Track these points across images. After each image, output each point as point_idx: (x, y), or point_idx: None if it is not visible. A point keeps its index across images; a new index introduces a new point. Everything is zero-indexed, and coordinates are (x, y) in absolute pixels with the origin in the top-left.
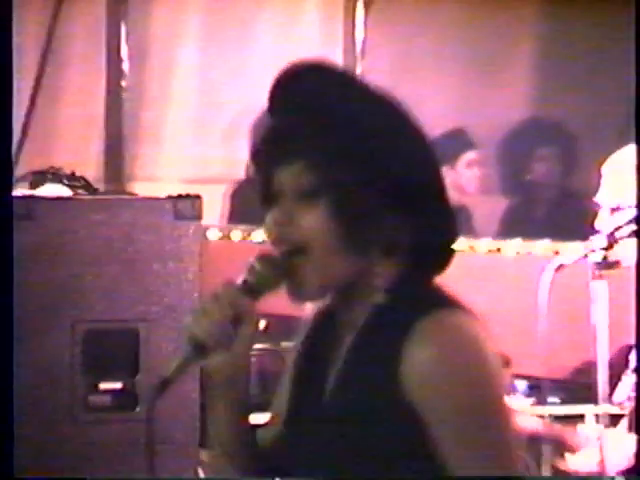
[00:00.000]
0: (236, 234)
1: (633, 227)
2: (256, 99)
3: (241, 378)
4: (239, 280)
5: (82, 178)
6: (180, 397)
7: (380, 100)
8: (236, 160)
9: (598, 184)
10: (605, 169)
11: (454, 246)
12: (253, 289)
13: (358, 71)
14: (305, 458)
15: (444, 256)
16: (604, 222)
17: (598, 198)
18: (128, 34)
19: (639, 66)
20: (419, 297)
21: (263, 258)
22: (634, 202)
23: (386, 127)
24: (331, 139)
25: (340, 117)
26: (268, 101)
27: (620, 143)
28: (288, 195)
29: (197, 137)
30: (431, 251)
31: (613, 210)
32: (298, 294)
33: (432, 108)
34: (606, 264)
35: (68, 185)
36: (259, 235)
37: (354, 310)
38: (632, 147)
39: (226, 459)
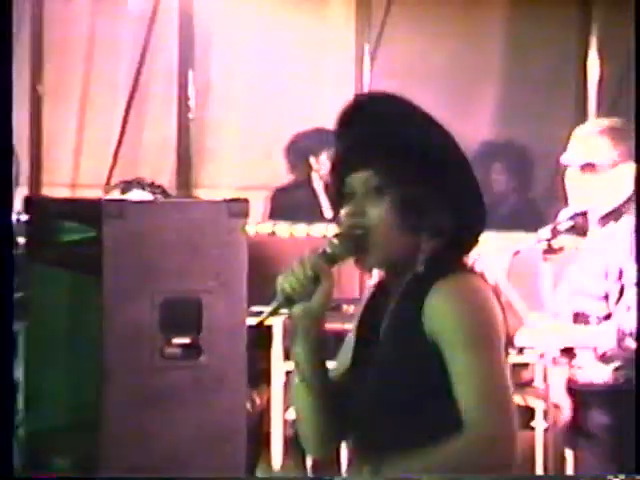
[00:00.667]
0: (279, 228)
1: (571, 223)
2: (290, 126)
3: (318, 324)
4: (320, 250)
5: (160, 186)
6: (232, 348)
7: (427, 121)
8: (275, 173)
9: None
10: (575, 133)
11: (481, 234)
12: (330, 257)
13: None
14: (365, 391)
15: (472, 241)
16: (572, 178)
17: (566, 158)
18: (194, 77)
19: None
20: (444, 267)
21: (340, 235)
22: (600, 161)
23: (432, 142)
24: (391, 153)
25: (397, 136)
26: (338, 124)
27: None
28: (359, 194)
29: (246, 154)
30: (463, 236)
31: (582, 167)
32: (363, 264)
33: None
34: (551, 250)
35: (149, 191)
36: (285, 229)
37: (400, 279)
38: (601, 120)
39: (305, 387)
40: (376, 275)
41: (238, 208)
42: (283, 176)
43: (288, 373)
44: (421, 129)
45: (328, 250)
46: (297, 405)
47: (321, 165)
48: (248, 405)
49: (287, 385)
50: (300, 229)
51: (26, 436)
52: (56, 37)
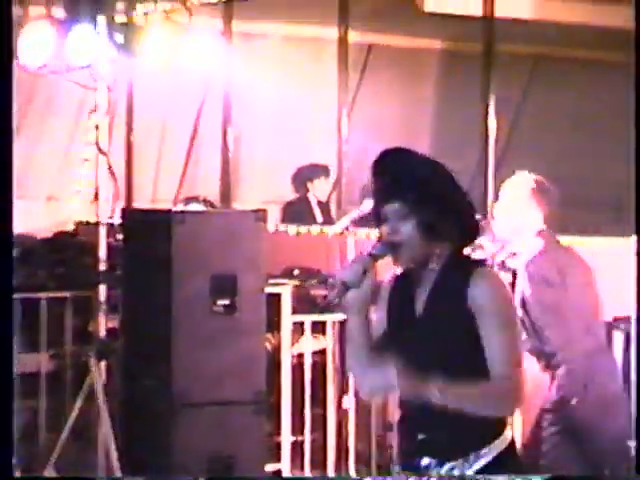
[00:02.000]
0: (289, 228)
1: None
2: (294, 161)
3: (366, 303)
4: (366, 252)
5: (210, 201)
6: (256, 307)
7: (436, 166)
8: (284, 193)
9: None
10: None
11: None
12: (374, 258)
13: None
14: (405, 353)
15: (474, 237)
16: (499, 230)
17: (495, 211)
18: (232, 128)
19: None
20: (465, 260)
21: (382, 242)
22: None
23: (439, 180)
24: (412, 190)
25: (415, 178)
26: (374, 168)
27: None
28: (391, 218)
29: (266, 179)
30: (465, 241)
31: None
32: (398, 263)
33: None
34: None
35: (203, 204)
36: (293, 229)
37: (423, 272)
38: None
39: (357, 348)
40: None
41: (260, 216)
42: (289, 195)
43: (294, 323)
44: (431, 172)
45: (373, 252)
46: (350, 361)
47: (314, 187)
48: (267, 344)
49: (293, 331)
50: (302, 229)
51: (123, 364)
52: (142, 104)
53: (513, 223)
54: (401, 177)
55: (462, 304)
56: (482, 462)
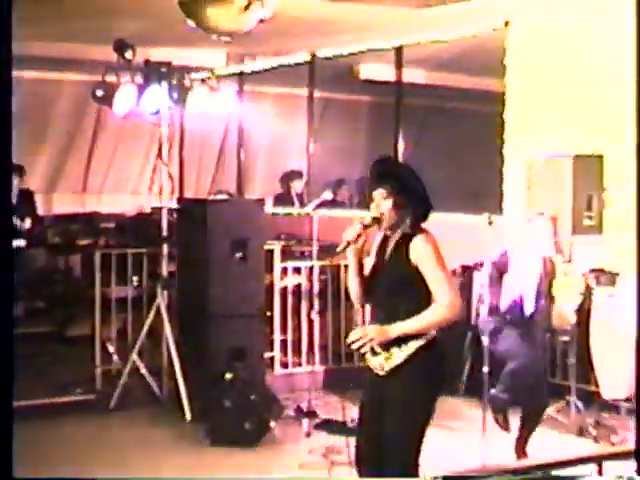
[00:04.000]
0: (279, 210)
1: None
2: (281, 168)
3: (359, 252)
4: (359, 221)
5: (230, 193)
6: (259, 258)
7: (407, 169)
8: (274, 189)
9: None
10: None
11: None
12: (365, 226)
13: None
14: (377, 283)
15: (427, 215)
16: None
17: None
18: (244, 147)
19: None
20: (417, 228)
21: (371, 217)
22: None
23: (408, 175)
24: (393, 182)
25: (395, 174)
26: (371, 169)
27: None
28: (377, 199)
29: (264, 180)
30: (423, 213)
31: None
32: (380, 229)
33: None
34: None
35: (226, 195)
36: (281, 211)
37: (394, 235)
38: None
39: (353, 278)
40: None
41: (261, 203)
42: (279, 189)
43: (283, 268)
44: (404, 171)
45: (365, 222)
46: (351, 282)
47: (294, 185)
48: (266, 280)
49: (281, 272)
50: (286, 211)
51: (178, 292)
52: (190, 132)
53: None
54: (385, 173)
55: (407, 255)
56: (412, 347)
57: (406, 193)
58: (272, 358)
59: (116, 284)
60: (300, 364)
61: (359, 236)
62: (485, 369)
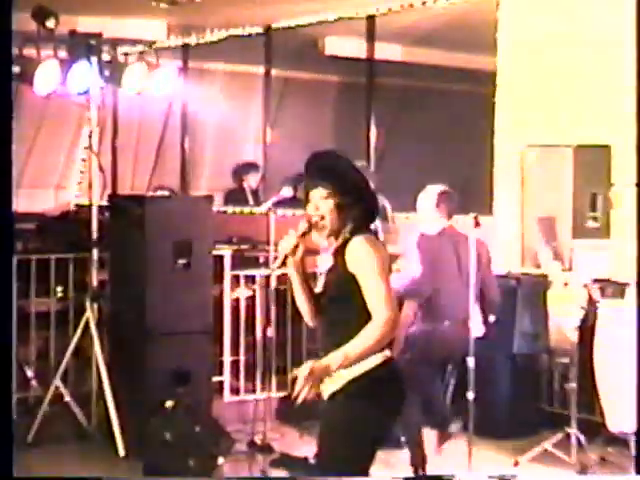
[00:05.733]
0: (229, 208)
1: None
2: (233, 159)
3: (300, 266)
4: (297, 229)
5: (172, 189)
6: (205, 265)
7: (350, 164)
8: (226, 183)
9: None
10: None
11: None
12: (303, 233)
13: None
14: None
15: (373, 216)
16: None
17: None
18: (189, 138)
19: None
20: (360, 230)
21: (308, 222)
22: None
23: (351, 173)
24: (334, 179)
25: (334, 171)
26: (306, 164)
27: None
28: (315, 199)
29: (213, 174)
30: (368, 214)
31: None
32: (320, 236)
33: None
34: None
35: (168, 191)
36: (231, 209)
37: (337, 241)
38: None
39: (299, 296)
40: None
41: (208, 200)
42: (230, 184)
43: (234, 276)
44: (346, 168)
45: (301, 229)
46: (297, 297)
47: (248, 179)
48: (214, 291)
49: (232, 282)
50: (238, 209)
51: (110, 305)
52: (123, 118)
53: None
54: (325, 170)
55: (344, 266)
56: (356, 370)
57: (349, 191)
58: (221, 383)
59: (36, 295)
60: (254, 390)
61: (297, 247)
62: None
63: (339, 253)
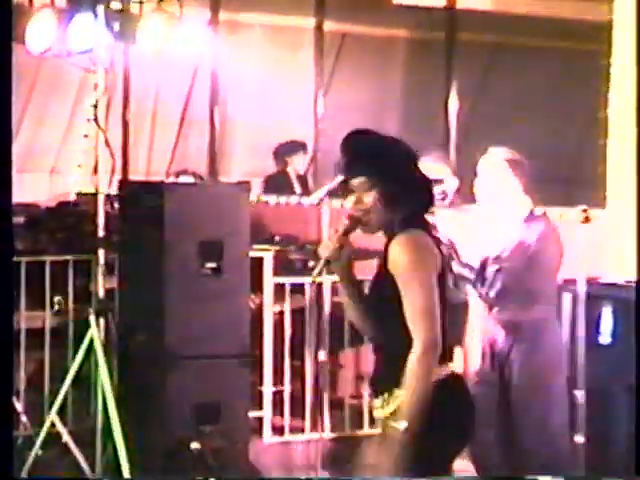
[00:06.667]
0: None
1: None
2: (274, 138)
3: (349, 271)
4: (340, 228)
5: (198, 174)
6: (241, 270)
7: (396, 144)
8: (264, 167)
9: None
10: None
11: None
12: (346, 231)
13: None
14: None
15: (426, 210)
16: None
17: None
18: (219, 109)
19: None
20: (407, 226)
21: (349, 217)
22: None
23: (398, 158)
24: (376, 165)
25: (379, 154)
26: (342, 147)
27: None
28: (356, 191)
29: (249, 155)
30: (420, 208)
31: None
32: (367, 232)
33: None
34: None
35: (192, 177)
36: (274, 200)
37: (386, 237)
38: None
39: (350, 302)
40: None
41: (244, 187)
42: (270, 168)
43: (277, 285)
44: (391, 150)
45: (345, 227)
46: (348, 310)
47: (293, 162)
48: (250, 304)
49: (274, 292)
50: (282, 200)
51: (119, 321)
52: (138, 84)
53: (495, 196)
54: (365, 154)
55: (385, 266)
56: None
57: (396, 178)
58: (260, 419)
59: (27, 308)
60: (302, 429)
61: (341, 247)
62: None
63: (385, 251)
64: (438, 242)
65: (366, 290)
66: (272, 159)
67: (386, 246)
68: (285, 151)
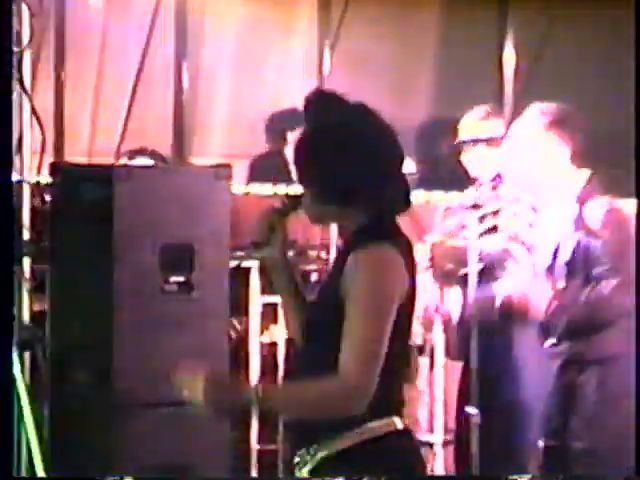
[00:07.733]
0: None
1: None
2: (265, 105)
3: (280, 262)
4: (273, 206)
5: (160, 154)
6: (217, 285)
7: (360, 120)
8: (253, 144)
9: None
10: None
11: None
12: (280, 212)
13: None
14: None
15: (391, 214)
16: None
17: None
18: (187, 65)
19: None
20: (366, 233)
21: (288, 197)
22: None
23: (355, 139)
24: (323, 147)
25: (329, 134)
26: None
27: None
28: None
29: (229, 128)
30: (380, 211)
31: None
32: (311, 221)
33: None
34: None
35: (151, 158)
36: (267, 190)
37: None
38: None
39: (285, 301)
40: None
41: (223, 172)
42: (260, 147)
43: (264, 305)
44: (348, 130)
45: (279, 206)
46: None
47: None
48: (231, 331)
49: (263, 314)
50: (275, 191)
51: (52, 356)
52: (76, 32)
53: (529, 168)
54: (315, 131)
55: (337, 286)
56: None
57: (346, 171)
58: None
59: None
60: None
61: (272, 230)
62: None
63: (338, 260)
64: (412, 259)
65: (312, 297)
66: (265, 135)
67: (345, 248)
68: (283, 124)
